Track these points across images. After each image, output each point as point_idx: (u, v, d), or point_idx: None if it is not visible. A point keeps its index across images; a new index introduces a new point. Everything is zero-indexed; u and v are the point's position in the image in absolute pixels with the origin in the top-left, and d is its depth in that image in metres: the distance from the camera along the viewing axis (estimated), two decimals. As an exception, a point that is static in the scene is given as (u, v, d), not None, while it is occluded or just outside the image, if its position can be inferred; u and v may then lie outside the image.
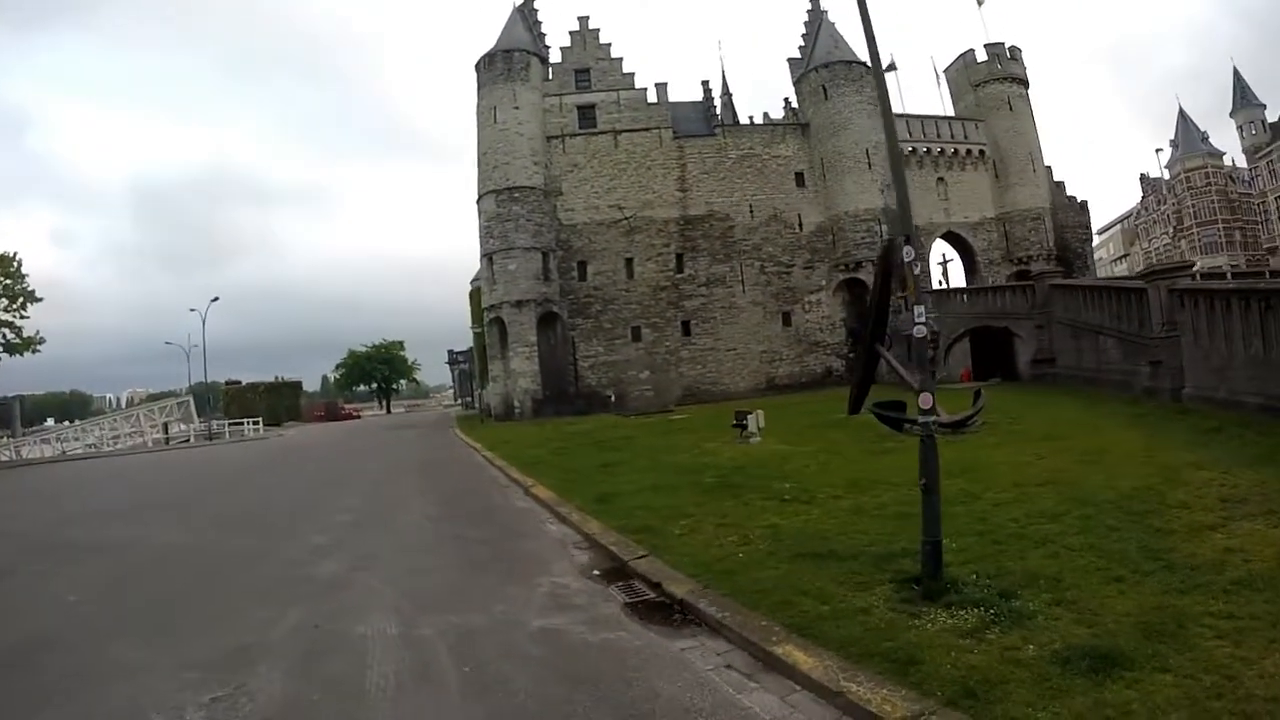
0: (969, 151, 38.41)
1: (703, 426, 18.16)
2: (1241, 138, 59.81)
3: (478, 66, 33.17)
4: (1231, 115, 60.21)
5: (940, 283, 37.88)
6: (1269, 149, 55.50)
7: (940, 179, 37.68)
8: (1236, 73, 59.60)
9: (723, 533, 6.41)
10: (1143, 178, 71.14)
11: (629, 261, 32.47)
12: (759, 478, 9.08)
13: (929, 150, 37.52)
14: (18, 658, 4.77)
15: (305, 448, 26.88)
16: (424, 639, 4.54)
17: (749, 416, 13.67)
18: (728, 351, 32.64)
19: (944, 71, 41.81)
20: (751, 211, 33.71)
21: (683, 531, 6.60)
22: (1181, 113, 65.36)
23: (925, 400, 4.73)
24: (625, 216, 32.48)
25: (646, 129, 33.49)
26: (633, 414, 26.64)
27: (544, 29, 35.45)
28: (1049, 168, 40.63)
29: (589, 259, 32.36)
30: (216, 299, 37.62)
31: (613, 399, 31.31)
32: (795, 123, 35.53)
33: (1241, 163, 64.05)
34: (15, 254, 35.82)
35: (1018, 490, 6.87)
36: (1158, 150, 65.72)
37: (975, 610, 3.93)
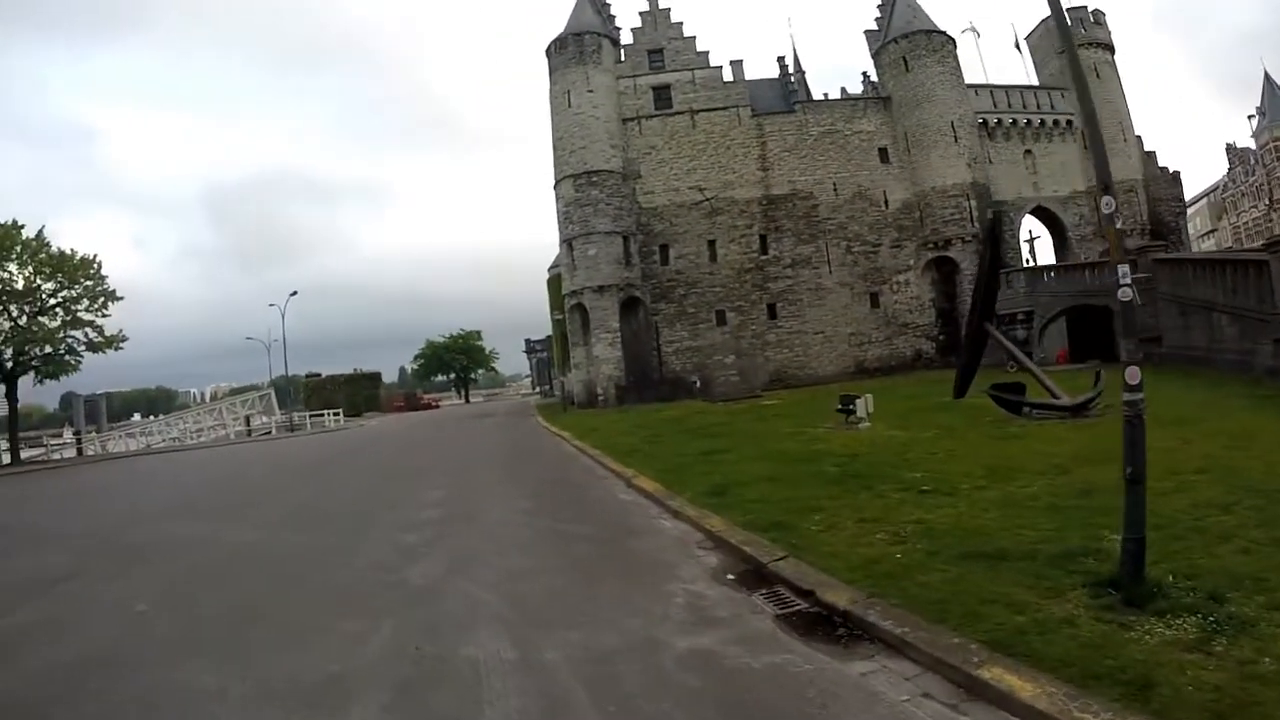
0: (1056, 122, 36.59)
1: (800, 412, 17.40)
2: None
3: (548, 51, 32.76)
4: (1326, 79, 56.49)
5: (1027, 261, 36.17)
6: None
7: (1028, 151, 35.98)
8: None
9: (867, 530, 5.67)
10: (1229, 148, 67.23)
11: (711, 244, 31.74)
12: (884, 466, 8.33)
13: (1014, 121, 35.84)
14: (73, 682, 4.08)
15: (385, 437, 26.75)
16: (549, 666, 3.79)
17: (857, 400, 12.78)
18: (815, 335, 31.68)
19: (1025, 39, 39.90)
20: (835, 189, 32.62)
21: (820, 528, 5.86)
22: (1268, 78, 61.55)
23: (1132, 375, 3.89)
24: (706, 198, 31.73)
25: (724, 108, 32.66)
26: (720, 400, 25.91)
27: (613, 10, 34.88)
28: (1139, 138, 38.55)
29: (670, 242, 31.73)
30: (295, 293, 38.20)
31: (697, 385, 30.64)
32: (876, 96, 34.23)
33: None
34: (95, 256, 36.84)
35: (1176, 479, 6.13)
36: (1249, 117, 61.79)
37: (1191, 618, 3.43)
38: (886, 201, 32.94)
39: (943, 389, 20.16)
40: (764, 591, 4.77)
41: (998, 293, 15.02)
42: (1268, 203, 61.67)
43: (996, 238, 14.64)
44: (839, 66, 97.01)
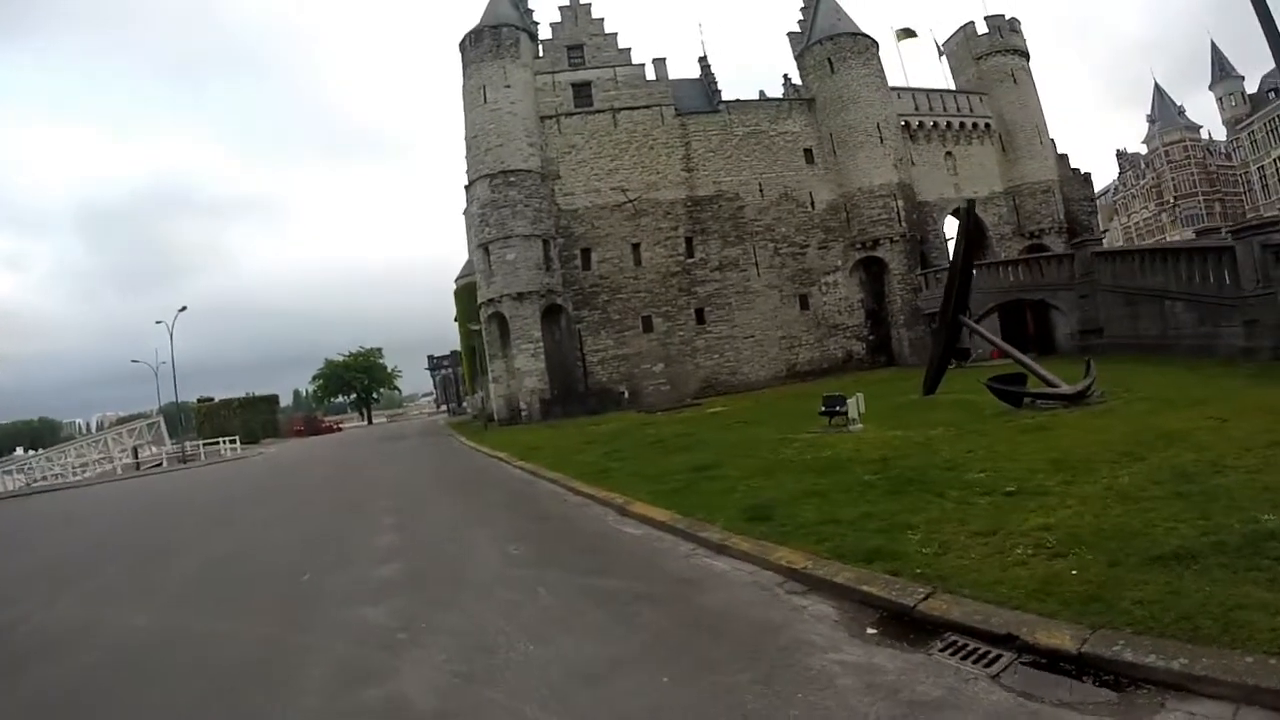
0: (975, 125, 37.30)
1: (763, 417, 16.31)
2: (1221, 109, 60.32)
3: (462, 45, 30.76)
4: (1210, 88, 60.69)
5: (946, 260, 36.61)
6: (1249, 120, 55.99)
7: (949, 153, 36.46)
8: (1214, 45, 60.08)
9: (992, 545, 4.63)
10: (1119, 153, 71.63)
11: (635, 247, 30.38)
12: (931, 470, 7.28)
13: (935, 124, 36.28)
14: None
15: (296, 467, 23.91)
16: None
17: (848, 401, 11.76)
18: (745, 339, 30.76)
19: (944, 45, 40.69)
20: (761, 190, 31.91)
21: (933, 550, 4.74)
22: (1157, 87, 65.91)
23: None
24: (630, 199, 30.37)
25: (647, 106, 31.45)
26: (657, 410, 24.54)
27: (530, 4, 33.23)
28: (1053, 140, 39.82)
29: (593, 245, 30.16)
30: (184, 308, 34.48)
31: (625, 395, 29.18)
32: (800, 98, 33.85)
33: (1219, 135, 64.97)
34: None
35: (1256, 455, 5.73)
36: (1151, 120, 65.69)
37: None
38: (813, 202, 32.50)
39: (897, 387, 19.68)
40: (940, 646, 3.57)
41: (970, 285, 14.56)
42: (1158, 203, 65.90)
43: (970, 228, 14.06)
44: (753, 72, 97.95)
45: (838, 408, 11.89)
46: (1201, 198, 62.05)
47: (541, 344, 28.16)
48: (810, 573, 4.82)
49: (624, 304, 29.86)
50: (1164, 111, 64.32)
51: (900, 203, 32.05)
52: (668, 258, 30.45)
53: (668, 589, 5.19)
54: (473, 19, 31.84)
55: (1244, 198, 59.44)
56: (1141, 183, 66.65)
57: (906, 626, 3.83)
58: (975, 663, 3.34)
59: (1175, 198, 62.31)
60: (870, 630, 3.90)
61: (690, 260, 30.65)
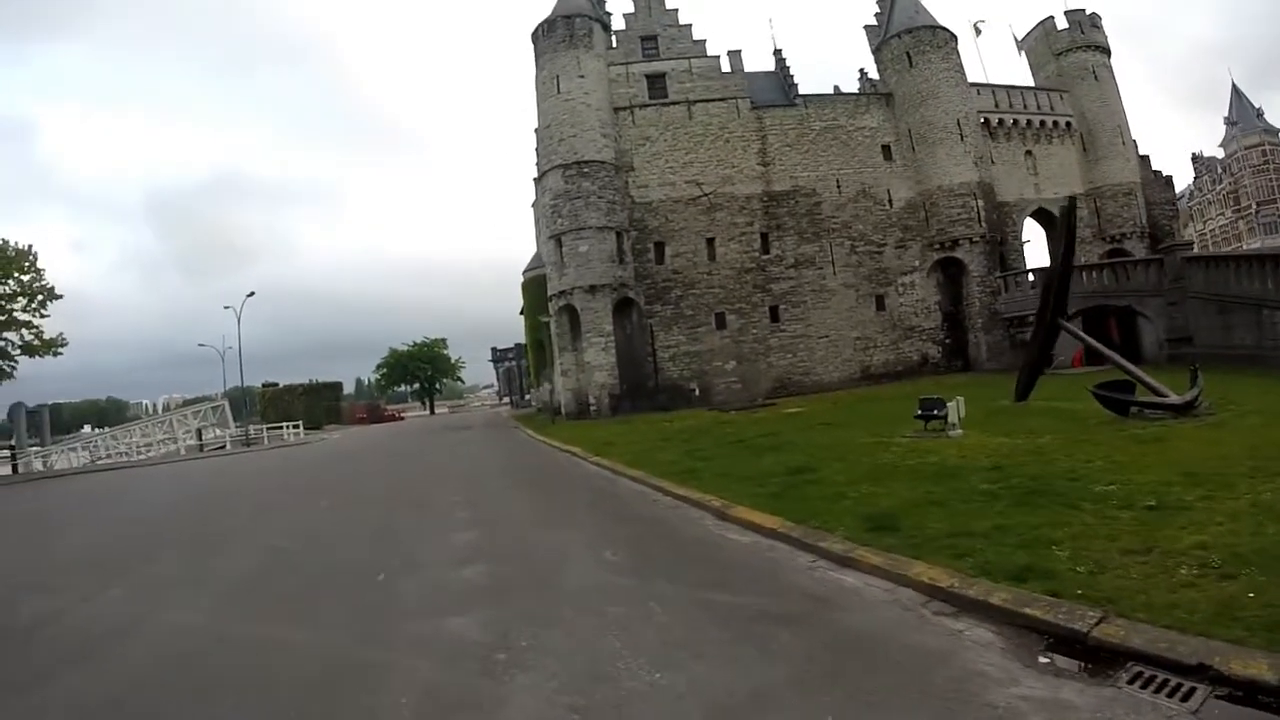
0: (1055, 124, 35.87)
1: (846, 419, 15.59)
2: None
3: (535, 35, 30.45)
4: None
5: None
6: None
7: (1028, 152, 35.11)
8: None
9: (1149, 564, 4.26)
10: (1195, 157, 68.67)
11: (710, 242, 29.75)
12: (1053, 479, 6.78)
13: (1015, 122, 34.97)
14: None
15: (358, 454, 23.61)
16: None
17: (948, 404, 11.09)
18: (820, 339, 29.91)
19: (1022, 40, 39.29)
20: (839, 187, 31.02)
21: (1087, 568, 4.29)
22: (1235, 89, 63.13)
23: None
24: (705, 193, 29.75)
25: (722, 99, 30.80)
26: (731, 409, 23.89)
27: (602, -5, 32.82)
28: (1134, 141, 38.13)
29: (666, 239, 29.62)
30: (252, 294, 34.96)
31: (696, 393, 28.58)
32: (878, 92, 32.86)
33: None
34: (30, 247, 33.11)
35: None
36: (1229, 123, 62.93)
37: None
38: (890, 200, 31.49)
39: (985, 393, 18.73)
40: (1127, 677, 3.15)
41: (1069, 286, 13.86)
42: (1235, 209, 63.04)
43: (1072, 226, 13.39)
44: (824, 67, 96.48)
45: (936, 411, 11.29)
46: (1280, 204, 59.26)
47: (613, 338, 27.71)
48: (958, 592, 4.28)
49: (697, 300, 29.25)
50: (1242, 114, 61.55)
51: (980, 202, 30.90)
52: (742, 253, 29.75)
53: (798, 607, 4.58)
54: (540, 12, 31.48)
55: (1328, 206, 56.57)
56: (1218, 188, 63.82)
57: (1081, 655, 3.42)
58: (1169, 696, 3.00)
59: (1257, 204, 59.48)
60: (1043, 659, 3.44)
61: (765, 257, 29.91)
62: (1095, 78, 36.64)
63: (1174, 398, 10.39)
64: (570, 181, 28.28)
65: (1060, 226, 13.56)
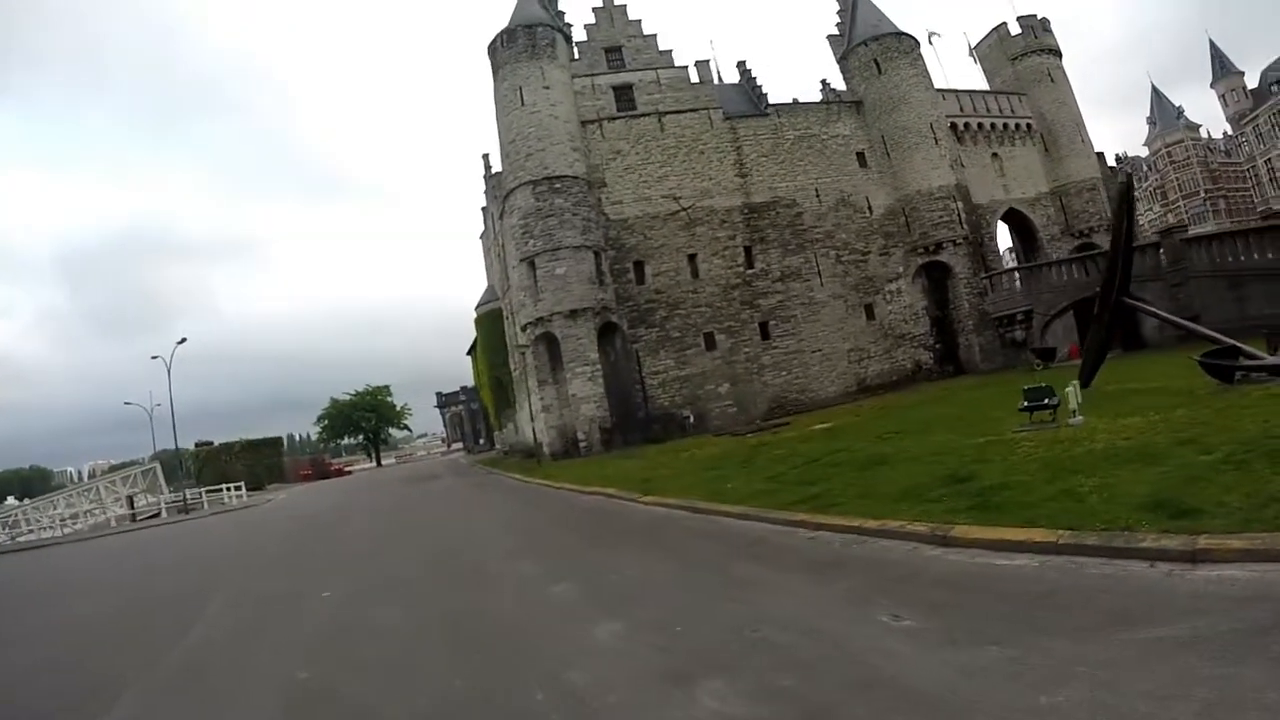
0: (1018, 126, 36.26)
1: (902, 429, 13.77)
2: (1224, 105, 60.94)
3: (493, 47, 28.46)
4: (1212, 85, 61.41)
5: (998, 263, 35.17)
6: (1254, 114, 56.49)
7: (995, 154, 35.24)
8: (1213, 43, 60.84)
9: None
10: (1119, 157, 71.99)
11: (692, 258, 28.11)
12: (1259, 441, 6.05)
13: (980, 125, 35.10)
14: None
15: (325, 517, 19.56)
16: None
17: (1066, 390, 9.96)
18: (814, 353, 28.57)
19: (976, 46, 39.83)
20: (818, 196, 30.02)
21: None
22: (1155, 90, 66.66)
23: None
24: (683, 207, 28.17)
25: (694, 110, 29.47)
26: (745, 433, 22.06)
27: (559, 6, 31.16)
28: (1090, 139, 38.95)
29: (646, 258, 27.82)
30: (184, 339, 31.09)
31: (690, 419, 26.68)
32: (848, 100, 32.27)
33: (1216, 133, 65.82)
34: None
35: None
36: (1151, 122, 66.22)
37: None
38: (870, 208, 30.73)
39: (1004, 391, 17.70)
40: None
41: (1131, 264, 13.33)
42: (1163, 204, 66.23)
43: (1131, 202, 12.85)
44: (782, 80, 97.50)
45: (1047, 400, 10.20)
46: (1204, 196, 62.47)
47: (599, 366, 25.60)
48: None
49: (684, 320, 27.49)
50: (1163, 114, 64.94)
51: (960, 204, 30.50)
52: (727, 269, 28.24)
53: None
54: (477, 38, 29.54)
55: (1252, 192, 59.87)
56: (1145, 185, 66.91)
57: None
58: None
59: (1181, 197, 62.55)
60: None
61: (751, 271, 28.47)
62: (1051, 80, 37.34)
63: (1269, 359, 10.33)
64: (541, 199, 26.21)
65: (1119, 199, 13.34)
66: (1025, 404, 10.51)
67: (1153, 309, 14.89)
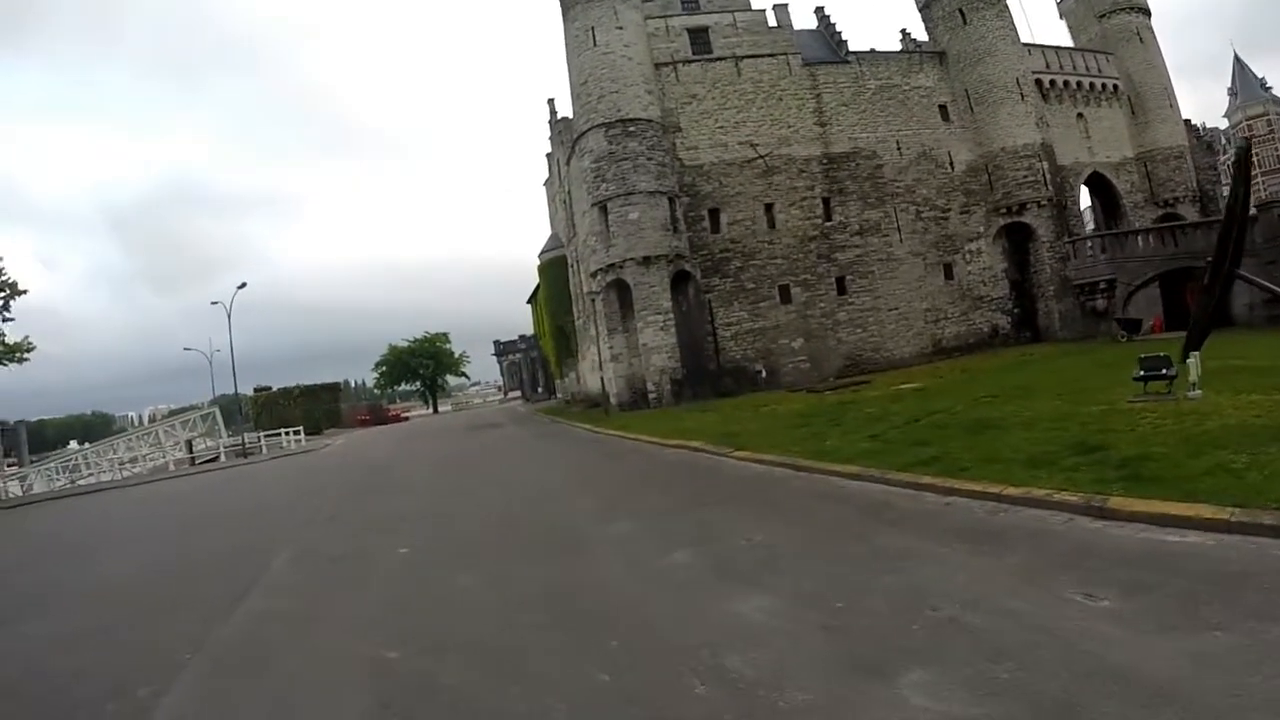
0: (1104, 86, 34.26)
1: (1000, 393, 12.98)
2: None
3: (563, -14, 27.52)
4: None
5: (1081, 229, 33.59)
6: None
7: (1080, 115, 33.38)
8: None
9: None
10: (1197, 128, 68.66)
11: (769, 208, 27.13)
12: None
13: (1066, 83, 33.21)
14: None
15: (386, 464, 18.73)
16: None
17: (1187, 361, 9.29)
18: (889, 311, 27.55)
19: (1061, 2, 37.74)
20: (899, 149, 28.74)
21: None
22: (1238, 59, 63.20)
23: None
24: (760, 155, 27.14)
25: (771, 55, 28.23)
26: (823, 389, 21.32)
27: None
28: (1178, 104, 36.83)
29: (721, 206, 26.91)
30: (244, 285, 30.95)
31: (763, 374, 25.94)
32: (931, 50, 30.75)
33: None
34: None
35: None
36: (1232, 94, 62.77)
37: None
38: (952, 163, 29.37)
39: (1084, 361, 17.09)
40: None
41: (1245, 235, 12.46)
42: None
43: (1248, 171, 11.88)
44: (858, 28, 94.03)
45: (1165, 370, 9.60)
46: (1286, 172, 59.32)
47: (671, 315, 24.91)
48: None
49: (758, 271, 26.61)
50: (1245, 85, 61.64)
51: (1045, 164, 29.03)
52: (804, 220, 27.22)
53: None
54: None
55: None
56: (1223, 158, 63.67)
57: None
58: None
59: (1260, 173, 59.41)
60: None
61: (829, 223, 27.42)
62: (1140, 40, 35.23)
63: None
64: (614, 142, 25.38)
65: (1237, 164, 12.39)
66: (1141, 373, 9.87)
67: (1260, 281, 14.06)
